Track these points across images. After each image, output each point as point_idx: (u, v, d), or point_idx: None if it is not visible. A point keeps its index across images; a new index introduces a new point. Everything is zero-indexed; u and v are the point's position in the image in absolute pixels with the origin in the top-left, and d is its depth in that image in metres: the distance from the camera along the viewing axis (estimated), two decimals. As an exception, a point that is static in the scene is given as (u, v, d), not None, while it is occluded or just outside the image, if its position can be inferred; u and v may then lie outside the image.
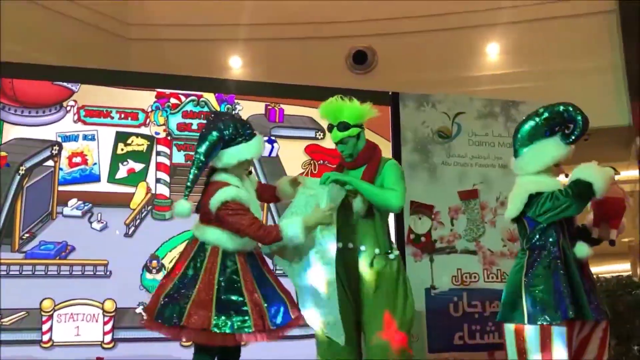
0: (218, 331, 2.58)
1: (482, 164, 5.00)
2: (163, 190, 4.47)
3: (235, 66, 7.42)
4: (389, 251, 2.88)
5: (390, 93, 5.06)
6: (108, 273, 4.25)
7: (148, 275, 4.33)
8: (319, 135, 4.79)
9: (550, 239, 2.84)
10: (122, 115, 4.48)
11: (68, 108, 4.40)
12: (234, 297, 2.64)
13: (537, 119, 2.91)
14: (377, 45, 7.30)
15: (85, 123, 4.41)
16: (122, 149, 4.44)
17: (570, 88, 6.34)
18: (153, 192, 4.44)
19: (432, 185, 4.89)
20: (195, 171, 2.76)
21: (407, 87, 5.46)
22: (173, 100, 4.58)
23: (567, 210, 2.77)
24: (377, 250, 2.86)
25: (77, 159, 4.37)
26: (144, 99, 4.55)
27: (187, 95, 4.61)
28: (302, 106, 4.82)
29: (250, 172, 2.97)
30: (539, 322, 2.72)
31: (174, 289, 2.68)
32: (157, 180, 4.46)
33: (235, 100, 4.68)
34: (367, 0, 7.25)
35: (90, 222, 4.30)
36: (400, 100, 4.99)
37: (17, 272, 4.14)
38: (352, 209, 2.88)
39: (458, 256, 4.82)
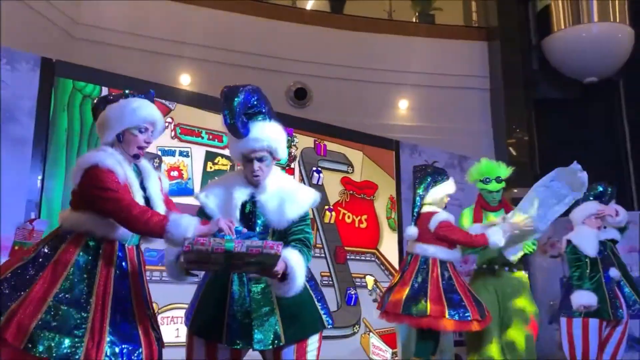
0: (450, 319, 3.57)
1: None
2: (243, 207, 5.00)
3: (184, 83, 7.77)
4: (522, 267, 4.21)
5: (394, 140, 6.27)
6: (202, 280, 4.66)
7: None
8: (349, 169, 5.79)
9: None
10: (210, 137, 4.92)
11: (166, 124, 4.69)
12: (454, 295, 3.67)
13: None
14: (310, 84, 8.38)
15: (180, 140, 4.76)
16: (210, 167, 4.88)
17: (455, 145, 8.25)
18: (236, 208, 4.95)
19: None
20: (419, 204, 3.78)
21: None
22: (249, 128, 5.15)
23: None
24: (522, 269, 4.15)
25: (174, 173, 4.69)
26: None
27: (258, 124, 5.22)
28: (338, 144, 5.77)
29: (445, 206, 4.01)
30: None
31: (411, 293, 3.63)
32: (238, 198, 4.98)
33: (294, 134, 5.44)
34: (306, 45, 8.32)
35: (187, 233, 4.65)
36: (400, 147, 6.25)
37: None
38: None
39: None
